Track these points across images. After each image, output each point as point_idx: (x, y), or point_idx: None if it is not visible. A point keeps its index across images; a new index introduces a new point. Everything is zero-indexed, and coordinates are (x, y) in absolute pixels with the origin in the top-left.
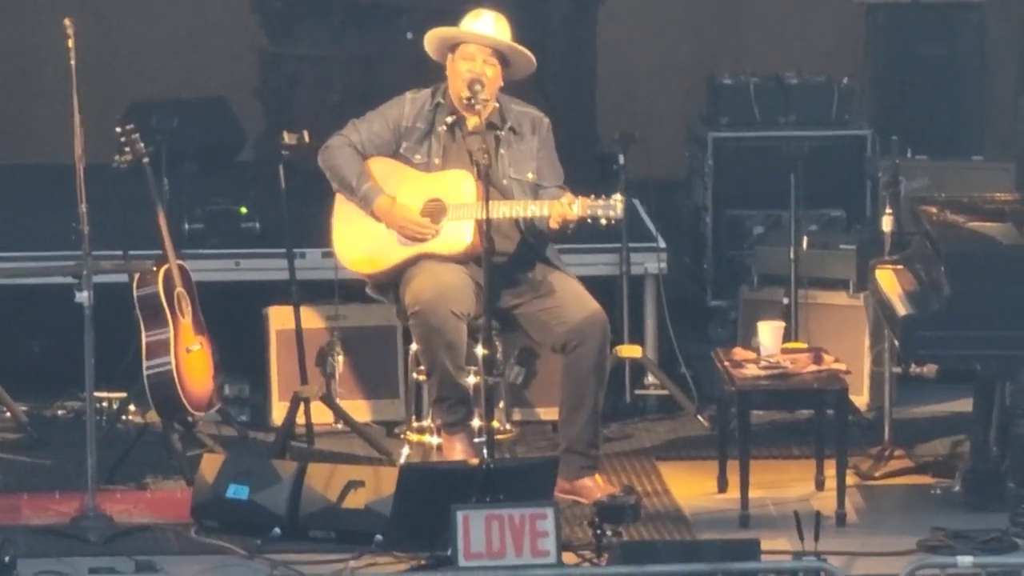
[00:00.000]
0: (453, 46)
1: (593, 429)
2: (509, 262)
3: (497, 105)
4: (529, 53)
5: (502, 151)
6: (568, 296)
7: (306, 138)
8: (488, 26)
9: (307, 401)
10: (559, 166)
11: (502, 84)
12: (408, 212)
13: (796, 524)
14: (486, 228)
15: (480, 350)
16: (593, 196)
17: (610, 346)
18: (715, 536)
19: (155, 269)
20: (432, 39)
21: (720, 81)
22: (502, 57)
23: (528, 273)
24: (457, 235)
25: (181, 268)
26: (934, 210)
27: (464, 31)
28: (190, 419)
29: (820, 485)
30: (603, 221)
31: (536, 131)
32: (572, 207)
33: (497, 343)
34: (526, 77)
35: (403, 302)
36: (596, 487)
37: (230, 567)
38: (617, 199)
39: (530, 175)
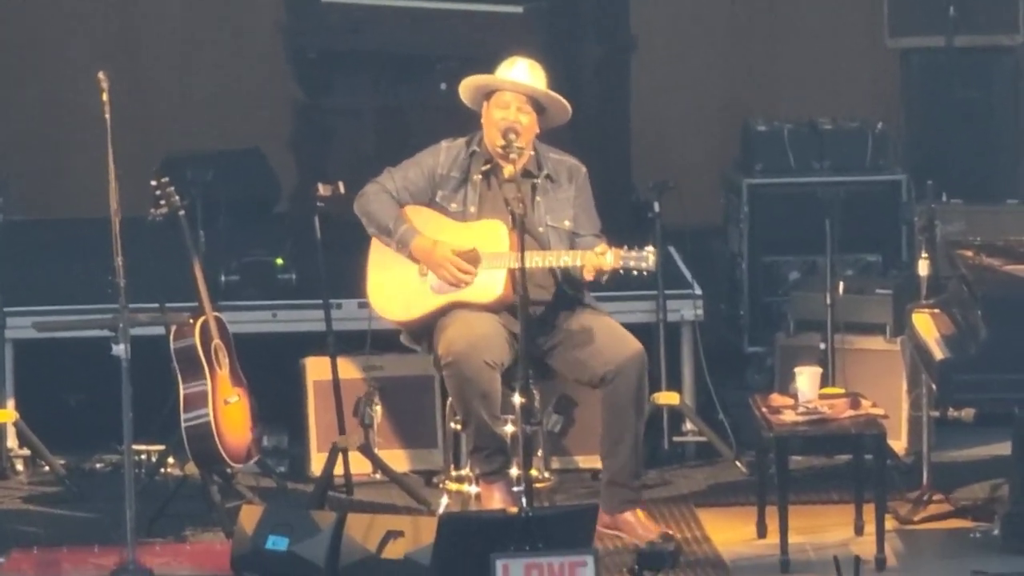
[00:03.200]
0: (488, 94)
1: (635, 461)
2: (543, 311)
3: (533, 153)
4: (564, 100)
5: (538, 199)
6: (605, 335)
7: (341, 189)
8: (523, 74)
9: (345, 451)
10: (596, 215)
11: (538, 131)
12: (447, 252)
13: (836, 569)
14: (521, 278)
15: (517, 399)
16: (627, 247)
17: (648, 380)
18: None
19: (192, 321)
20: (467, 87)
21: (754, 128)
22: (537, 105)
23: (562, 318)
24: (490, 284)
25: (218, 320)
26: (970, 254)
27: (499, 79)
28: (229, 471)
29: (859, 530)
30: (635, 272)
31: (573, 179)
32: (606, 258)
33: (535, 391)
34: (560, 126)
35: (437, 352)
36: (638, 523)
37: None
38: (650, 251)
39: (567, 223)
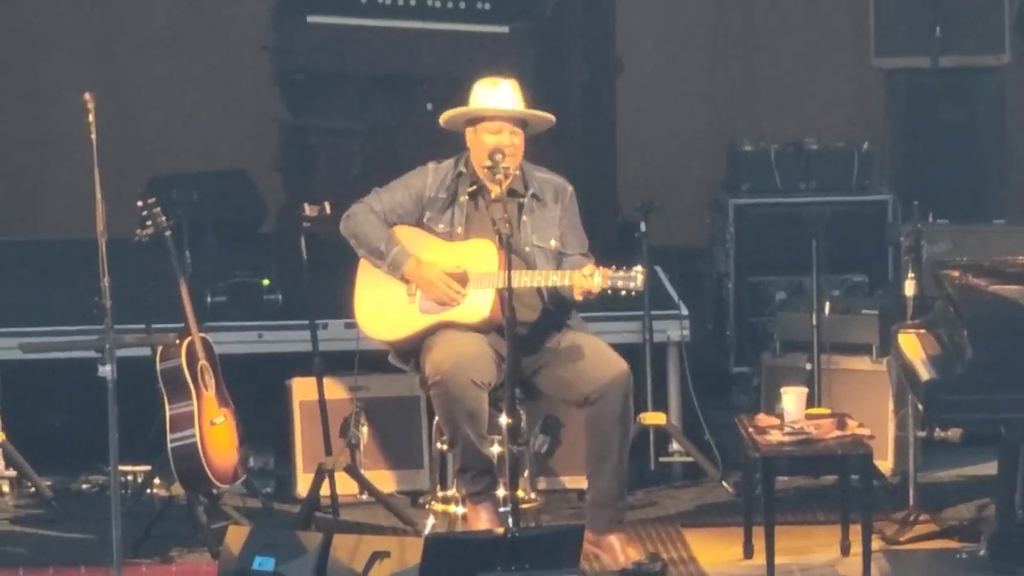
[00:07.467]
0: (473, 119)
1: (620, 481)
2: (530, 331)
3: (519, 172)
4: (547, 115)
5: (524, 218)
6: (590, 354)
7: (327, 210)
8: (507, 97)
9: (332, 472)
10: (583, 234)
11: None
12: (438, 271)
13: None
14: (508, 297)
15: (504, 419)
16: (614, 267)
17: (634, 400)
18: None
19: (178, 342)
20: (451, 118)
21: (740, 148)
22: (521, 121)
23: (549, 339)
24: (478, 304)
25: (204, 341)
26: (956, 274)
27: (486, 108)
28: (215, 491)
29: (846, 550)
30: (623, 293)
31: (559, 199)
32: (593, 278)
33: (521, 412)
34: (548, 147)
35: (424, 372)
36: (620, 549)
37: None
38: (638, 271)
39: (553, 242)
